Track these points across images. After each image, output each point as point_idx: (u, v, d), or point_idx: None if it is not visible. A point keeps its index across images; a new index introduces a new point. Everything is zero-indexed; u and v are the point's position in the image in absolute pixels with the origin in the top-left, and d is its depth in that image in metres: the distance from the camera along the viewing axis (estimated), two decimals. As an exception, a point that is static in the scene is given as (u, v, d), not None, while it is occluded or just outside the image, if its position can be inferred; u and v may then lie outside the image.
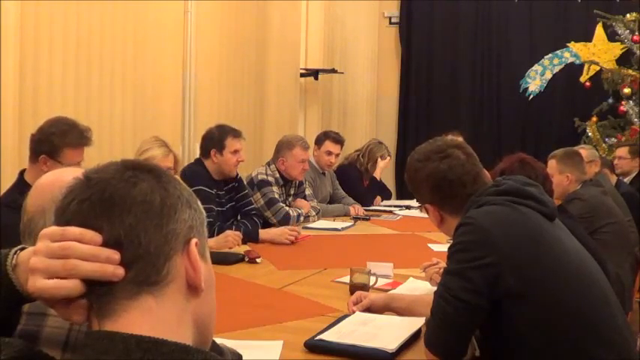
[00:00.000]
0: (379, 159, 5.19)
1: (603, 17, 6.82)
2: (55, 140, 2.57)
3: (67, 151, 2.58)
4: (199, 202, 0.89)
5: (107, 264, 0.78)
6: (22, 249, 0.92)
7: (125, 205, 0.80)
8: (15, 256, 0.91)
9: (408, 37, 7.87)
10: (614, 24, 6.67)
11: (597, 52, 7.13)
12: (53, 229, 0.82)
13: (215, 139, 3.55)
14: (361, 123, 7.46)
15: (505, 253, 1.58)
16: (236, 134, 3.58)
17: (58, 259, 0.80)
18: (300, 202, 4.18)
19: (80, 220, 0.80)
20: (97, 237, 0.79)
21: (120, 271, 0.79)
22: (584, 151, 4.35)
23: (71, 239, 0.80)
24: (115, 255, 0.79)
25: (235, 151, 3.54)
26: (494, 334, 1.64)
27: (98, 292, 0.80)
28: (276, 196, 3.97)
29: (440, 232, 2.04)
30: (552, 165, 3.62)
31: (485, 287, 1.57)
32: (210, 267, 0.89)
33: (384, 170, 5.42)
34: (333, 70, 6.57)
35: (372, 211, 4.77)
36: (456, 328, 1.61)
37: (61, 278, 0.80)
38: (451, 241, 1.74)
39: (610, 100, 6.73)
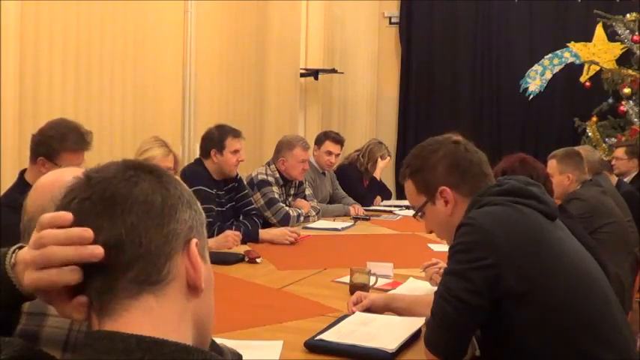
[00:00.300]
0: (379, 159, 5.18)
1: (603, 17, 6.81)
2: (53, 144, 2.57)
3: (65, 155, 2.58)
4: (199, 204, 0.89)
5: (83, 246, 0.78)
6: (21, 247, 0.92)
7: (126, 205, 0.80)
8: (13, 254, 0.91)
9: (408, 37, 7.87)
10: (614, 24, 6.67)
11: (597, 52, 7.12)
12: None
13: (215, 139, 3.55)
14: (361, 123, 7.46)
15: (506, 253, 1.58)
16: (236, 134, 3.58)
17: (39, 249, 0.80)
18: (300, 202, 4.18)
19: (81, 219, 0.80)
20: (68, 215, 0.80)
21: (98, 251, 0.78)
22: (583, 151, 4.36)
23: (45, 226, 0.80)
24: (86, 232, 0.78)
25: (235, 151, 3.55)
26: (494, 333, 1.64)
27: (98, 289, 0.80)
28: (276, 196, 3.97)
29: (441, 236, 1.97)
30: (552, 165, 3.62)
31: (485, 288, 1.57)
32: (209, 268, 0.89)
33: (384, 170, 5.42)
34: (333, 70, 6.57)
35: (372, 211, 4.77)
36: (456, 328, 1.61)
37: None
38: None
39: (610, 100, 6.72)
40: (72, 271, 0.79)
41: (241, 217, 3.61)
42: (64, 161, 2.55)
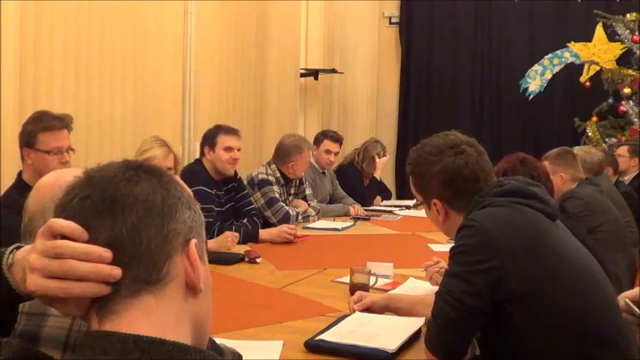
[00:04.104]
0: (375, 157, 5.16)
1: (603, 17, 6.81)
2: (29, 128, 2.57)
3: (42, 135, 2.54)
4: (198, 205, 0.89)
5: (102, 264, 0.78)
6: (18, 248, 0.92)
7: (127, 204, 0.80)
8: (11, 255, 0.91)
9: (408, 37, 7.87)
10: (614, 24, 6.67)
11: (597, 52, 7.12)
12: (44, 226, 0.81)
13: (208, 136, 3.61)
14: (361, 123, 7.46)
15: (508, 256, 1.57)
16: (228, 131, 3.59)
17: (54, 258, 0.79)
18: (297, 202, 4.19)
19: (81, 218, 0.80)
20: (85, 233, 0.79)
21: (116, 272, 0.78)
22: (581, 151, 4.37)
23: (58, 232, 0.79)
24: (107, 253, 0.78)
25: (228, 148, 3.53)
26: (494, 333, 1.64)
27: None
28: (277, 195, 3.97)
29: (439, 230, 1.99)
30: (545, 166, 3.62)
31: (487, 291, 1.57)
32: (207, 269, 0.89)
33: (384, 170, 5.41)
34: (333, 70, 6.57)
35: (372, 211, 4.77)
36: (457, 330, 1.61)
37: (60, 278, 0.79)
38: (451, 242, 1.73)
39: (610, 100, 6.72)
40: (99, 285, 0.79)
41: (241, 218, 3.60)
42: (43, 144, 2.53)
